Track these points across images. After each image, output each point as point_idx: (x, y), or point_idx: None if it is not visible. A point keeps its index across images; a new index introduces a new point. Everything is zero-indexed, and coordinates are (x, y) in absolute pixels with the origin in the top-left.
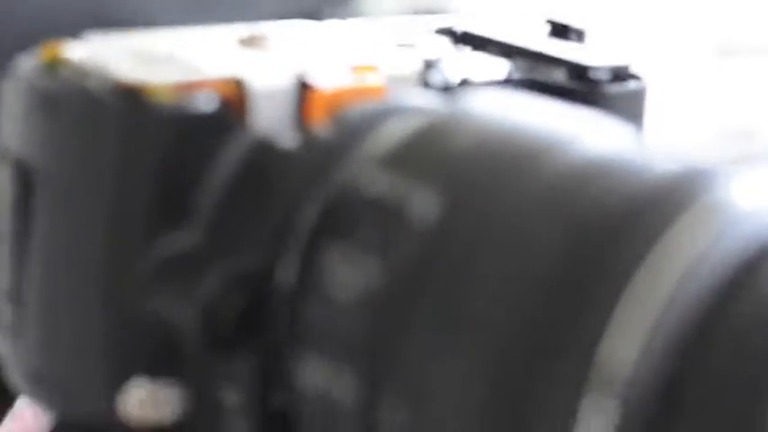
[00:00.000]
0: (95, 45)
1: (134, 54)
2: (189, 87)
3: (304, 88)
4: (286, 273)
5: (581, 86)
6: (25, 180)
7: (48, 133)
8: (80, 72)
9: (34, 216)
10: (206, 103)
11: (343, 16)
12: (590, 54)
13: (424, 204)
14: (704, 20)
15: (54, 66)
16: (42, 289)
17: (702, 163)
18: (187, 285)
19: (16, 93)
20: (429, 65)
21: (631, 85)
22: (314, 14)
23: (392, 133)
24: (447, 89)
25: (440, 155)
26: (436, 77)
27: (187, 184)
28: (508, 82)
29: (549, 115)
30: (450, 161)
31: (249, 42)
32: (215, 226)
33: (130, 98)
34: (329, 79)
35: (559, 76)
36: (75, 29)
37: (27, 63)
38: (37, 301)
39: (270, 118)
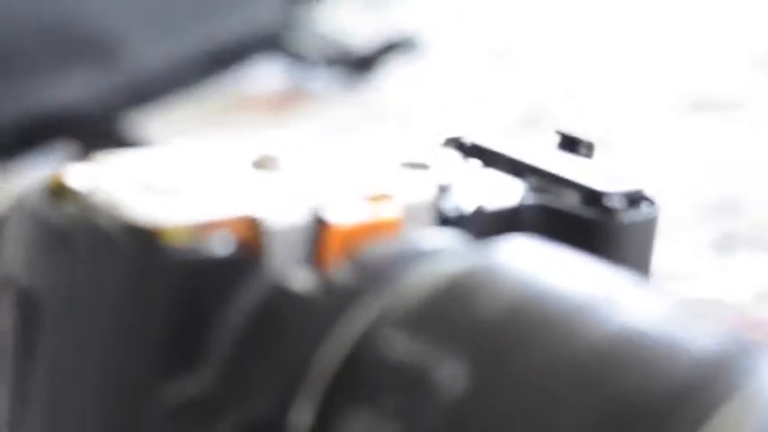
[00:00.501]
0: (102, 171)
1: (143, 186)
2: (204, 229)
3: (320, 225)
4: (299, 423)
5: (595, 215)
6: (30, 311)
7: (55, 268)
8: (89, 207)
9: (38, 349)
10: (222, 245)
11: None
12: (603, 176)
13: (451, 373)
14: (675, 74)
15: (60, 196)
16: (45, 428)
17: (742, 340)
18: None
19: (21, 223)
20: (443, 190)
21: (645, 211)
22: (279, 24)
23: (414, 288)
24: (462, 218)
25: (467, 319)
26: (450, 205)
27: (200, 327)
28: (521, 208)
29: (582, 274)
30: (479, 327)
31: (261, 165)
32: (228, 370)
33: (143, 240)
34: (344, 214)
35: (572, 199)
36: (44, 50)
37: (32, 192)
38: None
39: (285, 256)
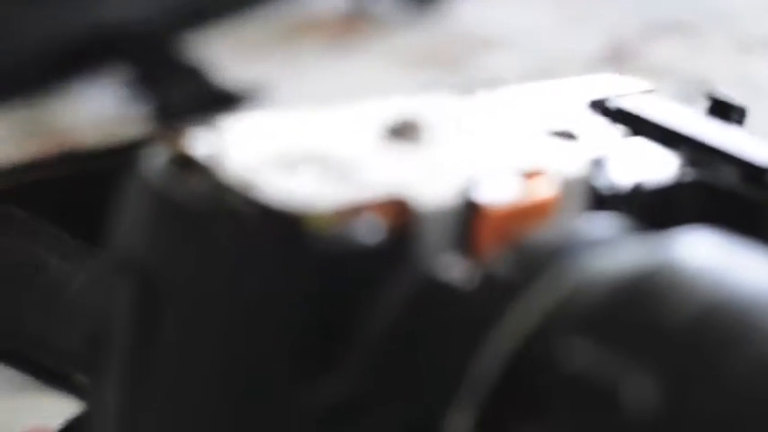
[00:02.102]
0: (228, 140)
1: (277, 159)
2: (350, 213)
3: (473, 207)
4: (459, 429)
5: (759, 194)
6: (150, 297)
7: (182, 253)
8: (220, 185)
9: (157, 341)
10: (370, 233)
11: None
12: (763, 148)
13: (640, 390)
14: None
15: (185, 169)
16: (162, 426)
17: None
18: None
19: (141, 197)
20: (597, 164)
21: None
22: None
23: (589, 287)
24: (618, 196)
25: (655, 326)
26: (606, 182)
27: (345, 323)
28: (678, 185)
29: None
30: (669, 335)
31: (401, 133)
32: (376, 371)
33: (286, 227)
34: (499, 193)
35: (732, 175)
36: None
37: (151, 162)
38: None
39: (436, 243)
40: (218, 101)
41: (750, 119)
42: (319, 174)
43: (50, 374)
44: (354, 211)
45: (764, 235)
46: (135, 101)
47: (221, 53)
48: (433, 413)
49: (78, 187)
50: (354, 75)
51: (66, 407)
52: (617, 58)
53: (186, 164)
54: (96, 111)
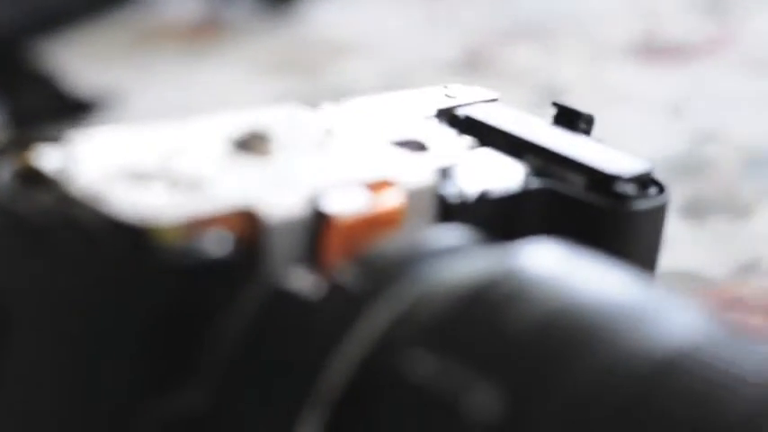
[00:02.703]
0: (77, 153)
1: (125, 172)
2: (198, 225)
3: (320, 219)
4: None
5: (605, 202)
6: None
7: (27, 268)
8: (66, 198)
9: (7, 358)
10: (218, 245)
11: None
12: (608, 156)
13: (483, 398)
14: None
15: (32, 183)
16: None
17: None
18: None
19: None
20: (444, 174)
21: (657, 199)
22: None
23: (433, 297)
24: (464, 205)
25: (497, 335)
26: (453, 191)
27: (193, 337)
28: (524, 193)
29: (615, 284)
30: (511, 344)
31: (249, 146)
32: (224, 386)
33: (132, 240)
34: (346, 205)
35: (578, 183)
36: None
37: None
38: None
39: (284, 254)
40: (70, 108)
41: (603, 124)
42: (167, 187)
43: None
44: (202, 224)
45: (609, 242)
46: None
47: (74, 60)
48: (281, 425)
49: None
50: (209, 82)
51: None
52: (473, 63)
53: (33, 178)
54: None
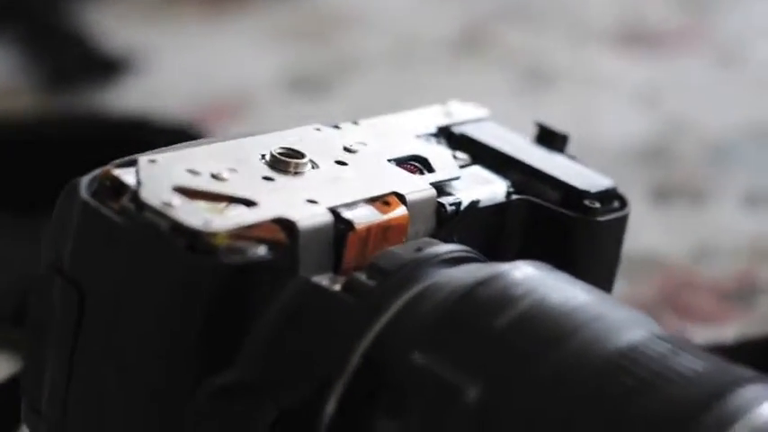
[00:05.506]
0: (150, 168)
1: (189, 185)
2: (245, 232)
3: (340, 227)
4: (326, 415)
5: (575, 213)
6: (75, 298)
7: (103, 260)
8: (140, 203)
9: (83, 335)
10: (261, 248)
11: None
12: (579, 173)
13: (471, 384)
14: None
15: (112, 190)
16: (87, 415)
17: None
18: (237, 418)
19: (71, 211)
20: (442, 187)
21: (618, 210)
22: None
23: (434, 302)
24: (457, 214)
25: (480, 335)
26: (448, 202)
27: (239, 326)
28: (508, 204)
29: (577, 292)
30: (490, 342)
31: (283, 163)
32: (263, 364)
33: (192, 242)
34: (362, 215)
35: (554, 196)
36: None
37: (87, 184)
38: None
39: (313, 256)
40: (101, 67)
41: (580, 107)
42: (221, 199)
43: None
44: (248, 231)
45: (578, 247)
46: (23, 67)
47: (103, 21)
48: (308, 397)
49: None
50: (227, 46)
51: None
52: (469, 42)
53: (113, 185)
54: None
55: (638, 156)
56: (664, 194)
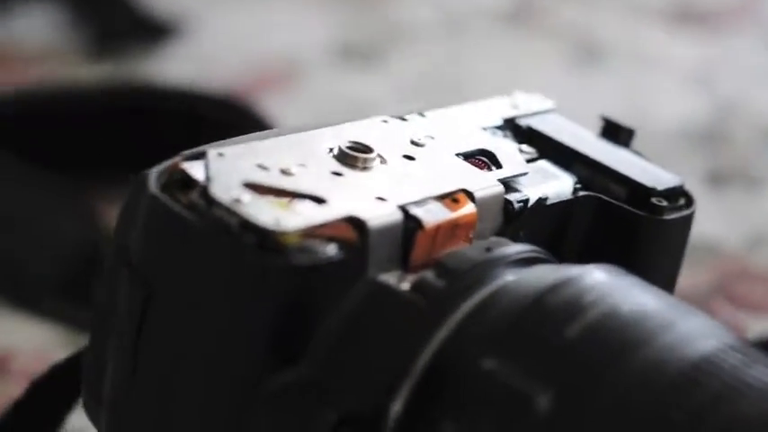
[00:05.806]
0: (219, 163)
1: (258, 181)
2: (314, 230)
3: (410, 225)
4: (391, 416)
5: (643, 211)
6: (143, 289)
7: (172, 254)
8: (210, 202)
9: (148, 327)
10: (331, 247)
11: None
12: (646, 169)
13: (542, 393)
14: None
15: (182, 184)
16: (151, 401)
17: None
18: (300, 417)
19: (142, 204)
20: (509, 184)
21: (685, 208)
22: None
23: (505, 306)
24: (524, 211)
25: (551, 338)
26: (516, 199)
27: (307, 324)
28: (574, 201)
29: (656, 303)
30: (562, 346)
31: (352, 159)
32: (329, 363)
33: (262, 241)
34: (431, 212)
35: (620, 193)
36: None
37: (156, 177)
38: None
39: (382, 255)
40: (148, 31)
41: (637, 83)
42: (290, 197)
43: (21, 298)
44: (318, 229)
45: (644, 245)
46: (71, 29)
47: None
48: (375, 398)
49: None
50: (273, 12)
51: (36, 329)
52: (523, 15)
53: (183, 180)
54: (36, 39)
55: (692, 138)
56: (717, 179)
